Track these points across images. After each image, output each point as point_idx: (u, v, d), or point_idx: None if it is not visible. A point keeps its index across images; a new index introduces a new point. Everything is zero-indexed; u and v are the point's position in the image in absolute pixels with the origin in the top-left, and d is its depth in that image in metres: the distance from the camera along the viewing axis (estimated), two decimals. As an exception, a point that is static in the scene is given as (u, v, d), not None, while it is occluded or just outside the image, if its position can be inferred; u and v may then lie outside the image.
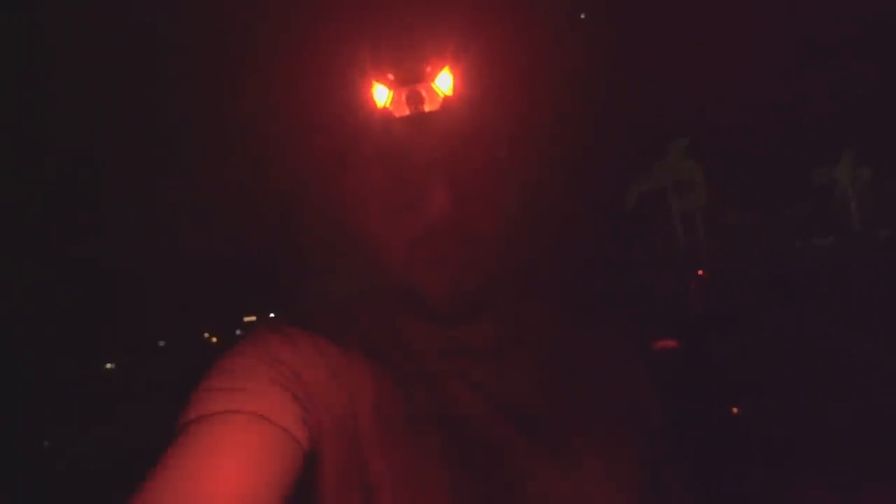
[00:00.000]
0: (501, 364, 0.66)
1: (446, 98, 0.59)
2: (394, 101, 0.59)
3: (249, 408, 0.52)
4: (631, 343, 0.74)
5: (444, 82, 0.59)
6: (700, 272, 3.43)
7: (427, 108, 0.59)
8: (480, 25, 0.58)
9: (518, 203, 0.67)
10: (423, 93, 0.58)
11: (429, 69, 0.59)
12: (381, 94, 0.59)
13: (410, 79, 0.59)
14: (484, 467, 0.58)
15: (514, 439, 0.60)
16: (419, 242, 0.61)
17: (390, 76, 0.59)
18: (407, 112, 0.59)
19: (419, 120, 0.59)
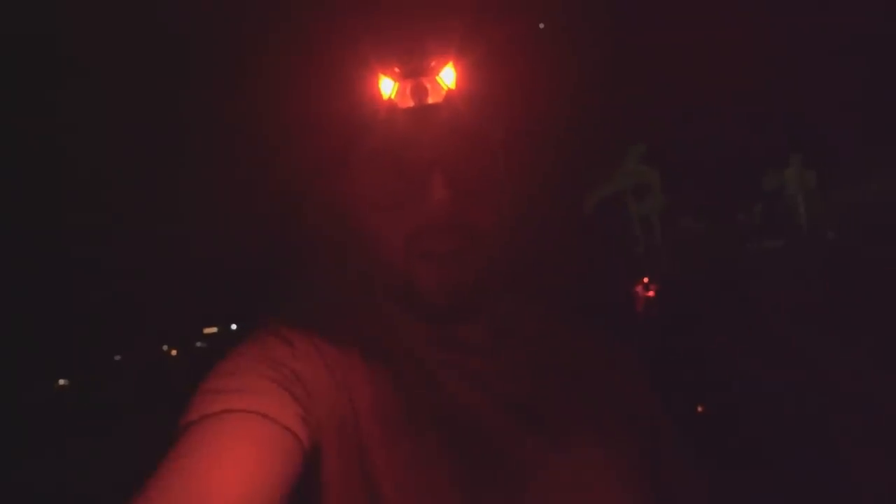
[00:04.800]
0: (498, 359, 0.68)
1: (449, 91, 0.62)
2: (399, 93, 0.62)
3: (249, 407, 0.55)
4: (623, 343, 0.77)
5: (447, 76, 0.62)
6: (645, 279, 3.53)
7: (430, 100, 0.61)
8: (484, 22, 0.61)
9: (512, 202, 0.70)
10: (428, 86, 0.61)
11: (433, 63, 0.62)
12: (387, 87, 0.61)
13: (415, 72, 0.62)
14: (485, 459, 0.62)
15: (514, 431, 0.64)
16: (417, 236, 0.63)
17: (396, 69, 0.61)
18: (411, 104, 0.61)
19: (423, 112, 0.62)
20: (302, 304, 0.72)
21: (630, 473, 0.65)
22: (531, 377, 0.67)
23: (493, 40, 0.62)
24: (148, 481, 0.49)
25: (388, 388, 0.63)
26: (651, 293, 3.56)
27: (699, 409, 3.06)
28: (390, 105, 0.61)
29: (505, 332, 0.70)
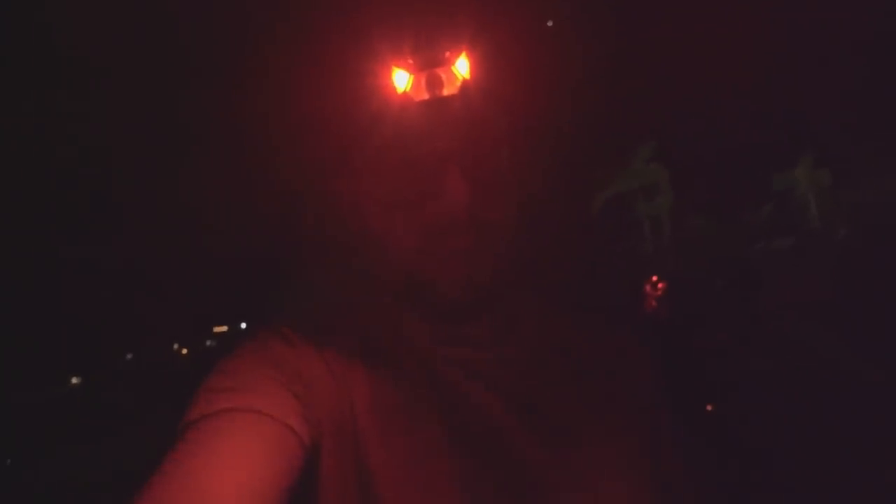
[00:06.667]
0: (502, 354, 0.66)
1: (464, 81, 0.61)
2: (413, 86, 0.61)
3: (251, 405, 0.53)
4: (630, 340, 0.76)
5: (462, 67, 0.61)
6: (654, 277, 3.49)
7: (446, 91, 0.61)
8: (496, 11, 0.61)
9: (524, 196, 0.68)
10: (443, 76, 0.61)
11: (447, 54, 0.61)
12: (401, 79, 0.61)
13: (430, 63, 0.60)
14: (486, 455, 0.59)
15: (517, 427, 0.61)
16: (434, 233, 0.61)
17: (410, 61, 0.61)
18: (426, 96, 0.61)
19: (438, 104, 0.61)
20: (304, 303, 0.72)
21: (635, 471, 0.63)
22: (536, 374, 0.66)
23: (505, 29, 0.62)
24: (149, 480, 0.49)
25: (390, 387, 0.61)
26: (659, 292, 3.53)
27: (708, 407, 3.03)
28: (404, 98, 0.61)
29: (510, 329, 0.69)
